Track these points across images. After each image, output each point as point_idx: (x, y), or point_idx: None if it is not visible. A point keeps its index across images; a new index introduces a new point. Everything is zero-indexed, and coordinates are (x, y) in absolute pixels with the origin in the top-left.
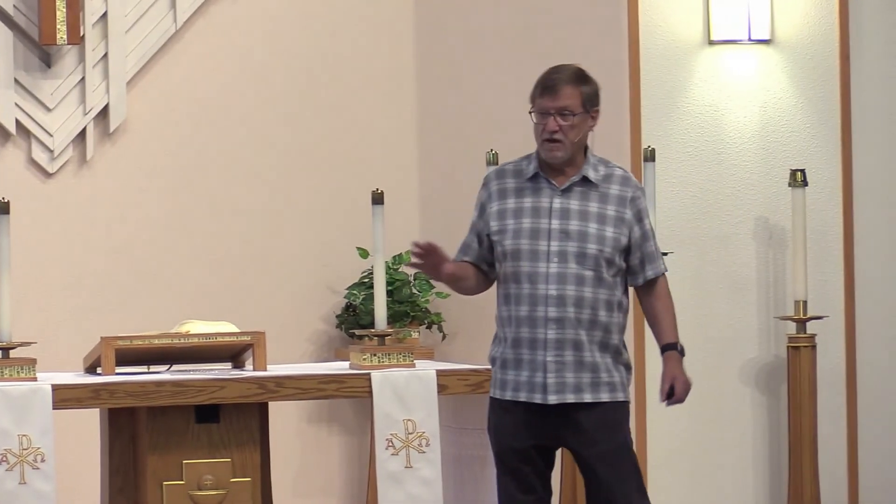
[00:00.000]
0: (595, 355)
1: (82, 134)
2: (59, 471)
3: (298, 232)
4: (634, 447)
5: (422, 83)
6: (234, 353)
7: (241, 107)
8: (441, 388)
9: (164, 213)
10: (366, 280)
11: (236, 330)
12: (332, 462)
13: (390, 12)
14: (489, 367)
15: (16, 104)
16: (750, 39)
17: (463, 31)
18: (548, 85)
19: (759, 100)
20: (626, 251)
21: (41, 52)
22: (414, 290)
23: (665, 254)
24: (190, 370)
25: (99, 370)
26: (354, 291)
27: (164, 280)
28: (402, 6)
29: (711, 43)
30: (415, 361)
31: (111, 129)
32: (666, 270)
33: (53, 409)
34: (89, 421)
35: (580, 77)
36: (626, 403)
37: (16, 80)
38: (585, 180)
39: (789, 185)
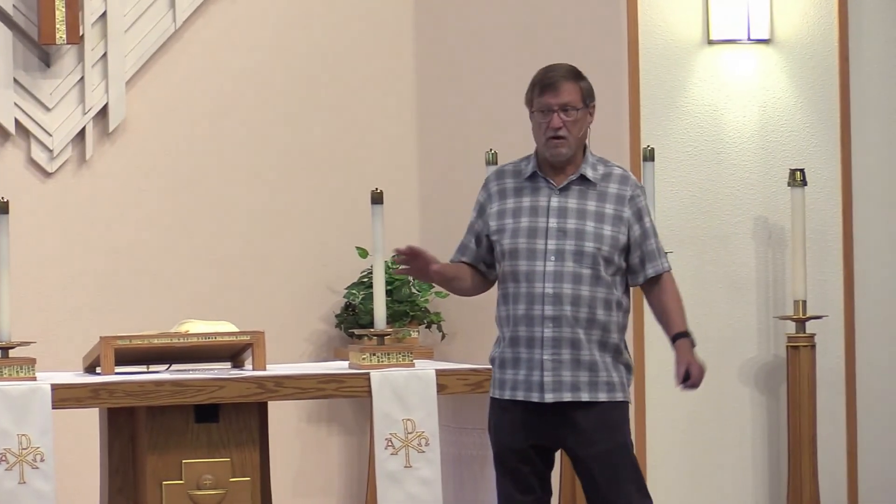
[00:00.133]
0: (594, 354)
1: (81, 133)
2: (58, 470)
3: (298, 232)
4: (634, 447)
5: (422, 83)
6: (233, 353)
7: (241, 106)
8: (440, 388)
9: (163, 212)
10: (365, 280)
11: (236, 330)
12: (331, 462)
13: (390, 12)
14: (488, 366)
15: (15, 104)
16: (749, 39)
17: (463, 30)
18: (547, 83)
19: (758, 99)
20: (626, 250)
21: (40, 51)
22: (413, 290)
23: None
24: (189, 370)
25: (98, 370)
26: (354, 291)
27: (164, 280)
28: (402, 6)
29: (711, 42)
30: (414, 361)
31: (110, 129)
32: (669, 268)
33: (53, 408)
34: (89, 421)
35: (576, 73)
36: (625, 404)
37: (15, 80)
38: (584, 179)
39: (789, 184)
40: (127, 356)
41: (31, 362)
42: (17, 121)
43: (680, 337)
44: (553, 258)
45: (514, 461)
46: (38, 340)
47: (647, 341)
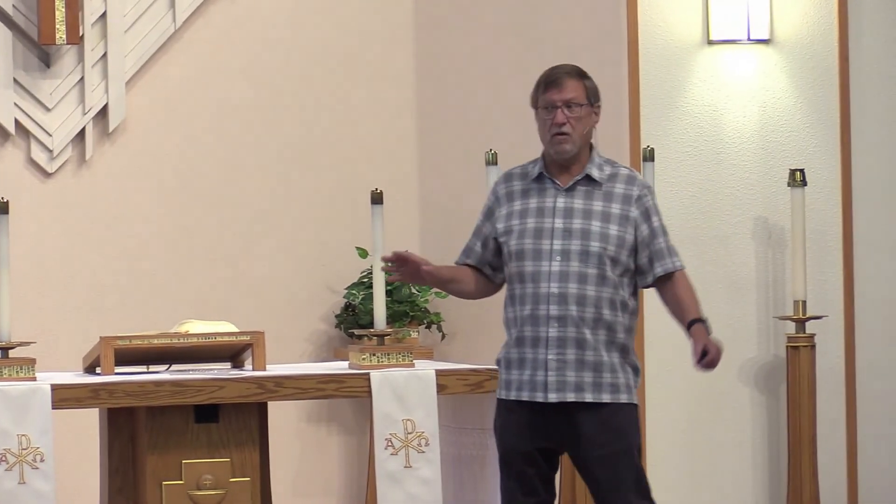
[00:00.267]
0: (600, 354)
1: (81, 133)
2: (58, 470)
3: (298, 232)
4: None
5: (422, 83)
6: (233, 353)
7: (241, 106)
8: (440, 388)
9: (163, 212)
10: (365, 280)
11: (235, 330)
12: (331, 462)
13: (390, 12)
14: (488, 366)
15: (15, 104)
16: (749, 39)
17: (463, 30)
18: (552, 79)
19: (758, 99)
20: (635, 250)
21: (40, 51)
22: (413, 290)
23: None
24: (189, 370)
25: (98, 370)
26: (354, 291)
27: (164, 280)
28: (402, 6)
29: (710, 43)
30: (414, 361)
31: (110, 129)
32: (682, 267)
33: (53, 408)
34: (88, 421)
35: (581, 73)
36: (630, 406)
37: (15, 80)
38: (590, 179)
39: (788, 184)
40: (127, 356)
41: (31, 362)
42: (17, 121)
43: (695, 323)
44: (559, 258)
45: (519, 463)
46: (38, 340)
47: (648, 341)
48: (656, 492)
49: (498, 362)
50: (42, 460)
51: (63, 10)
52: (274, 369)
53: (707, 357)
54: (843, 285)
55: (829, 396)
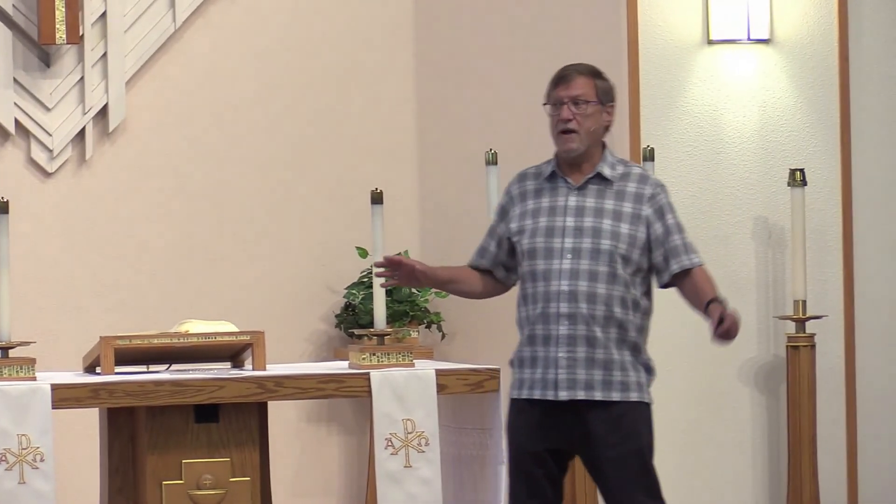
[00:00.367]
0: (611, 352)
1: (81, 133)
2: (58, 470)
3: (298, 232)
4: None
5: (421, 83)
6: (233, 353)
7: (241, 106)
8: (440, 388)
9: (163, 212)
10: (365, 280)
11: (235, 329)
12: (331, 462)
13: (390, 11)
14: (489, 366)
15: (15, 104)
16: (749, 39)
17: (463, 30)
18: (561, 76)
19: (758, 99)
20: (649, 249)
21: (40, 51)
22: (413, 290)
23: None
24: (189, 370)
25: (98, 370)
26: (354, 291)
27: (164, 280)
28: (402, 5)
29: (710, 42)
30: (414, 361)
31: (110, 129)
32: (701, 263)
33: (53, 408)
34: (88, 420)
35: (594, 71)
36: (642, 405)
37: (15, 80)
38: (601, 178)
39: (788, 184)
40: (127, 356)
41: (31, 362)
42: (17, 121)
43: (711, 302)
44: (570, 256)
45: (528, 464)
46: (38, 340)
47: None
48: None
49: (511, 363)
50: (42, 460)
51: (63, 9)
52: (274, 369)
53: (723, 325)
54: (843, 285)
55: (829, 396)
